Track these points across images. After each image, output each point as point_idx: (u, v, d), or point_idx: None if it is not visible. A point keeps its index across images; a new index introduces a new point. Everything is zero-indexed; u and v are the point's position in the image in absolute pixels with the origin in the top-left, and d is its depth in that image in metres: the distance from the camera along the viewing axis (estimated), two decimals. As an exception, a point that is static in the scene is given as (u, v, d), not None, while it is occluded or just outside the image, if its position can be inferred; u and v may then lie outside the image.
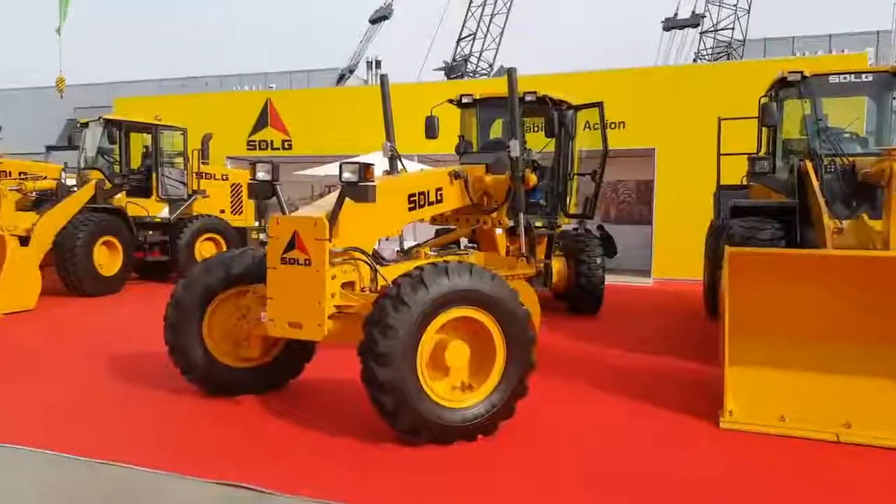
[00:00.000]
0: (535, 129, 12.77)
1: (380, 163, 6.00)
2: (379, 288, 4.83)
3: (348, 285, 4.82)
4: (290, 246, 4.46)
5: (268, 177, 4.83)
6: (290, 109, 17.48)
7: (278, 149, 17.44)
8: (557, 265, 9.35)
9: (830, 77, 7.38)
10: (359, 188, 4.35)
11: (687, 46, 25.47)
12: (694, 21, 24.40)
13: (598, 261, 9.16)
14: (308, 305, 4.43)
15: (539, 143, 9.48)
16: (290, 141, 17.43)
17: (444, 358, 4.31)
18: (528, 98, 8.01)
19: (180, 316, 5.12)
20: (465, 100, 8.52)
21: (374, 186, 4.41)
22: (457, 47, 28.59)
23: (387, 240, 7.71)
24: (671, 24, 25.22)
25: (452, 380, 4.43)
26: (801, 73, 7.39)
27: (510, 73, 6.53)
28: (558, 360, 6.72)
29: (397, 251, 7.04)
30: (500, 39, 27.93)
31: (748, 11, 23.50)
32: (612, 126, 15.16)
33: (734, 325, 4.94)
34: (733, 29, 23.48)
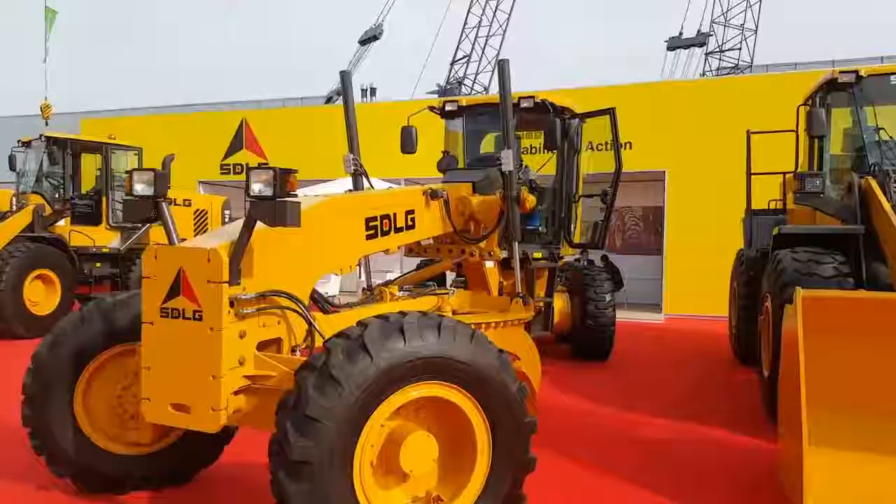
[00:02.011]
0: (533, 150, 11.53)
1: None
2: (316, 348, 3.42)
3: (271, 345, 3.41)
4: (174, 291, 3.05)
5: (148, 190, 3.42)
6: (268, 130, 16.18)
7: (254, 172, 16.06)
8: (560, 303, 7.93)
9: (892, 77, 6.05)
10: (273, 207, 2.95)
11: (692, 69, 24.43)
12: (699, 40, 23.31)
13: (608, 298, 7.73)
14: (198, 380, 3.00)
15: (538, 164, 8.16)
16: (268, 164, 16.08)
17: (400, 458, 2.88)
18: (524, 104, 6.67)
19: (42, 386, 3.68)
20: (448, 107, 7.17)
21: (297, 204, 3.01)
22: (451, 70, 27.52)
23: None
24: (675, 44, 24.12)
25: (412, 489, 2.99)
26: (856, 72, 6.08)
27: (502, 66, 5.19)
28: (562, 431, 5.27)
29: (364, 289, 5.63)
30: (495, 62, 26.84)
31: (755, 32, 22.45)
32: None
33: (812, 393, 3.54)
34: (740, 49, 22.39)
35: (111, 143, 11.22)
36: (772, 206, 8.86)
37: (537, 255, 6.99)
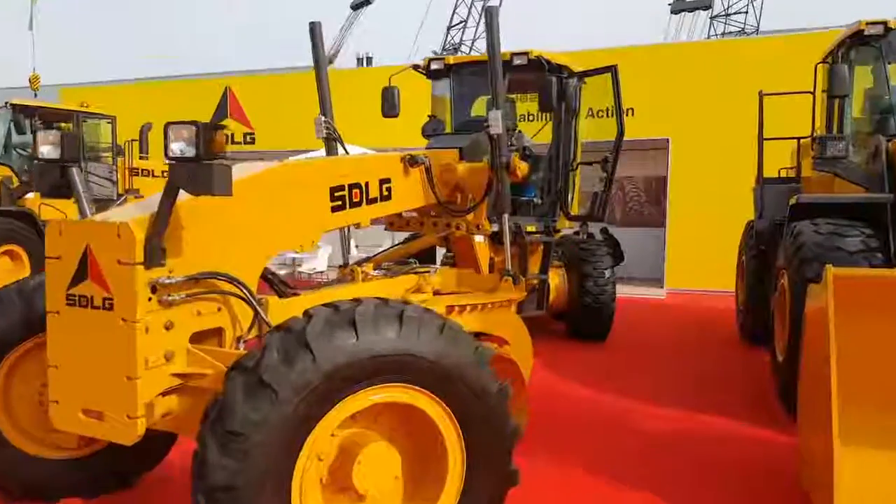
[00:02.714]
0: (530, 117, 10.91)
1: None
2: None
3: (212, 336, 2.90)
4: (80, 274, 2.52)
5: (55, 153, 2.86)
6: (254, 98, 15.49)
7: (239, 143, 15.39)
8: (556, 279, 7.41)
9: (927, 29, 5.45)
10: (196, 171, 2.40)
11: (696, 33, 23.60)
12: (704, 3, 22.41)
13: (608, 274, 7.21)
14: (110, 381, 2.48)
15: (534, 132, 7.58)
16: (254, 134, 15.45)
17: (353, 475, 2.38)
18: (517, 62, 6.07)
19: (-49, 382, 3.18)
20: (434, 66, 6.56)
21: (226, 169, 2.46)
22: (447, 36, 26.67)
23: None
24: (680, 7, 23.22)
25: (370, 511, 2.50)
26: (885, 24, 5.48)
27: (489, 14, 4.59)
28: (556, 421, 4.79)
29: (340, 266, 5.11)
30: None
31: (762, -7, 21.58)
32: (618, 114, 13.34)
33: (844, 385, 3.05)
34: (746, 13, 21.54)
35: (83, 112, 10.62)
36: (782, 174, 8.29)
37: (531, 228, 6.46)
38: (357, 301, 2.41)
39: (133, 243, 2.42)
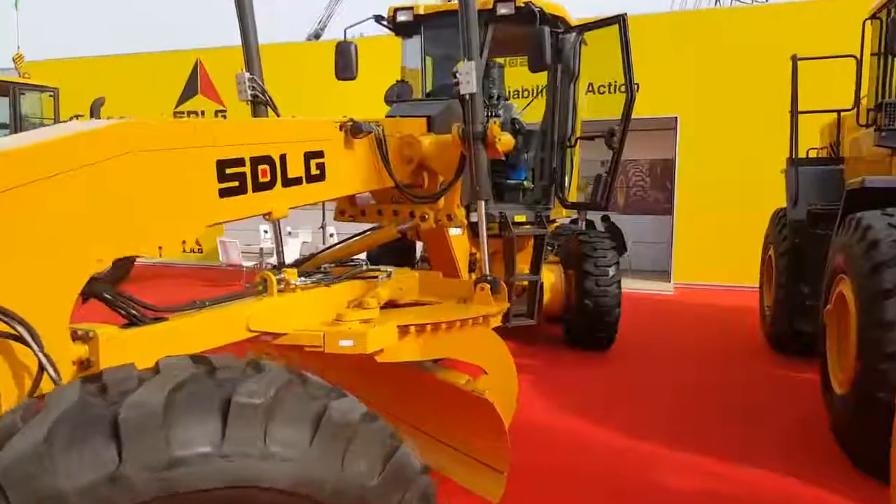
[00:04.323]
0: (524, 93, 9.71)
1: None
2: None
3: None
4: None
5: None
6: (226, 72, 14.20)
7: (210, 121, 14.21)
8: (551, 278, 6.28)
9: None
10: None
11: (704, 0, 22.30)
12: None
13: (612, 272, 6.04)
14: None
15: (530, 112, 6.41)
16: (226, 112, 14.21)
17: None
18: (502, 10, 4.87)
19: None
20: (402, 17, 5.33)
21: None
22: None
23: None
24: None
25: None
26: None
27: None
28: (543, 473, 3.66)
29: (273, 268, 3.96)
30: None
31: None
32: (623, 90, 12.08)
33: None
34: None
35: (21, 83, 9.42)
36: (812, 154, 7.13)
37: (520, 218, 5.32)
38: (154, 369, 1.25)
39: None
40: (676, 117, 11.15)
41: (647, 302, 9.24)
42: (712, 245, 10.71)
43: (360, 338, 2.94)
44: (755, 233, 9.47)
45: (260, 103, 3.83)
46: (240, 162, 2.69)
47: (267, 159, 2.83)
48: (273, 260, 10.69)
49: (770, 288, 6.45)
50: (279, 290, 3.11)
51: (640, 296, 9.70)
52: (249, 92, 3.81)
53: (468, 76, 3.41)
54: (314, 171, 3.14)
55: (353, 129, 3.35)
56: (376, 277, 3.61)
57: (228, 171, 2.61)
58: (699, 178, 10.96)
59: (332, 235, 10.66)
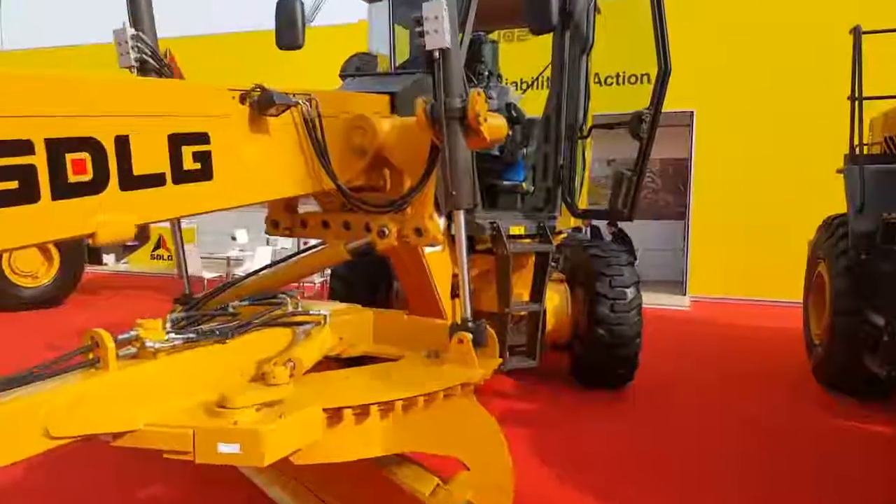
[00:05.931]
0: (522, 85, 8.58)
1: None
2: None
3: None
4: None
5: None
6: (199, 63, 13.03)
7: (180, 116, 13.03)
8: (555, 300, 5.12)
9: None
10: None
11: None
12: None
13: (630, 294, 4.88)
14: None
15: (530, 104, 5.24)
16: (197, 105, 13.08)
17: None
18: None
19: None
20: (365, -27, 4.18)
21: None
22: None
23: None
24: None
25: None
26: None
27: None
28: None
29: (184, 301, 2.81)
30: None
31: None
32: (633, 81, 10.98)
33: None
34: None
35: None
36: (865, 151, 6.00)
37: (517, 230, 4.16)
38: None
39: None
40: (692, 112, 10.00)
41: (661, 321, 8.06)
42: (734, 254, 9.59)
43: (250, 440, 1.79)
44: (785, 241, 8.35)
45: (151, 70, 2.67)
46: (22, 147, 1.53)
47: (87, 143, 1.67)
48: (242, 270, 9.49)
49: (821, 312, 5.29)
50: (134, 356, 1.96)
51: (653, 312, 8.52)
52: (133, 55, 2.64)
53: (438, 22, 2.25)
54: (190, 166, 1.98)
55: (262, 102, 2.20)
56: (302, 325, 2.44)
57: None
58: (719, 180, 9.83)
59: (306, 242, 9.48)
